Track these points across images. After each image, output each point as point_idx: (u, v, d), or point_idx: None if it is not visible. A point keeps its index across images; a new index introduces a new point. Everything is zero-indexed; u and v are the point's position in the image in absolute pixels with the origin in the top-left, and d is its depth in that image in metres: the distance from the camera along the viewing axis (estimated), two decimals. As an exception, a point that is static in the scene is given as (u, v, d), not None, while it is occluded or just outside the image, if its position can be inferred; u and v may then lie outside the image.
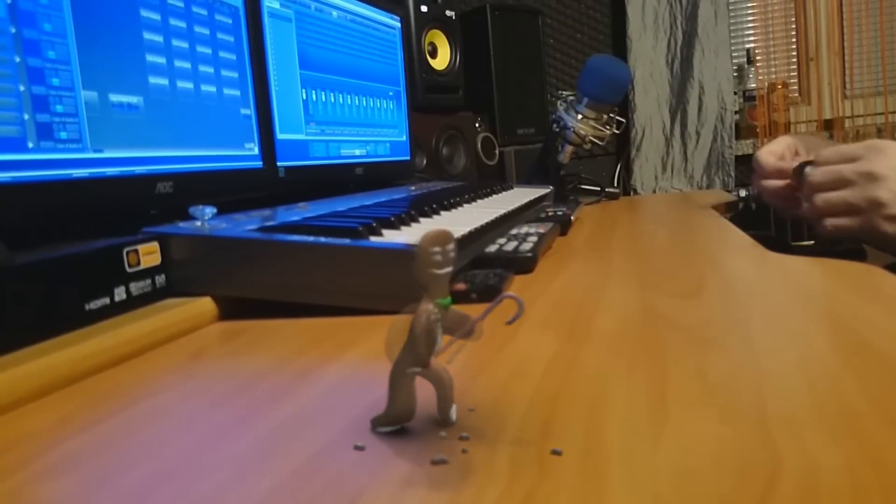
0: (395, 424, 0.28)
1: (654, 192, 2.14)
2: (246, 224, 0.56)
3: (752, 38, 2.21)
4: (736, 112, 2.10)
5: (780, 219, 2.10)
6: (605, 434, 0.26)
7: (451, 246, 0.26)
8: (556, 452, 0.25)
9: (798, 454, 0.23)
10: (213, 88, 0.68)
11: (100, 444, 0.29)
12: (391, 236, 0.58)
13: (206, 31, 0.68)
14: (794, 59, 2.18)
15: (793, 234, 2.11)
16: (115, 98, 0.56)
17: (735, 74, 2.09)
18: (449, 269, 0.26)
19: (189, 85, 0.65)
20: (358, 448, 0.27)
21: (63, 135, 0.51)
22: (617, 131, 1.14)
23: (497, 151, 1.70)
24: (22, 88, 0.47)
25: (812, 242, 2.09)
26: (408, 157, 1.19)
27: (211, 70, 0.68)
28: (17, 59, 0.47)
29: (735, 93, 2.10)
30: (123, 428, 0.31)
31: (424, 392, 0.28)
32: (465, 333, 0.27)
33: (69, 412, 0.34)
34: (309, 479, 0.25)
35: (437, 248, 0.26)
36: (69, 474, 0.27)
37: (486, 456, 0.25)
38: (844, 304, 0.44)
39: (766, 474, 0.22)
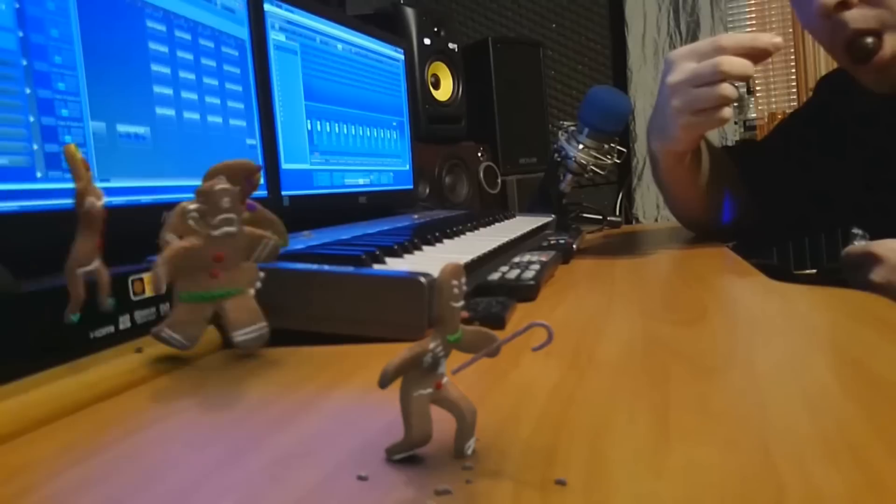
0: (411, 450, 0.28)
1: (656, 220, 2.15)
2: (250, 252, 0.56)
3: (751, 69, 2.23)
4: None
5: (783, 247, 2.10)
6: (609, 463, 0.26)
7: (464, 279, 0.26)
8: (560, 482, 0.25)
9: (801, 482, 0.23)
10: (219, 119, 0.69)
11: (103, 473, 0.29)
12: (394, 264, 0.58)
13: (212, 63, 0.69)
14: (794, 89, 2.20)
15: (795, 263, 2.11)
16: (122, 128, 0.57)
17: (735, 105, 2.11)
18: (462, 303, 0.27)
19: (195, 115, 0.66)
20: (361, 478, 0.27)
21: (71, 164, 0.51)
22: (618, 161, 1.14)
23: (499, 180, 1.71)
24: (32, 119, 0.48)
25: (815, 271, 2.08)
26: (411, 186, 1.20)
27: (217, 101, 0.69)
28: (28, 91, 0.48)
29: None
30: (127, 456, 0.31)
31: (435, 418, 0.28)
32: (489, 353, 0.27)
33: (73, 440, 0.34)
34: (312, 507, 0.25)
35: (455, 282, 0.26)
36: (73, 503, 0.27)
37: (489, 486, 0.25)
38: (847, 332, 0.44)
39: (769, 502, 0.22)
